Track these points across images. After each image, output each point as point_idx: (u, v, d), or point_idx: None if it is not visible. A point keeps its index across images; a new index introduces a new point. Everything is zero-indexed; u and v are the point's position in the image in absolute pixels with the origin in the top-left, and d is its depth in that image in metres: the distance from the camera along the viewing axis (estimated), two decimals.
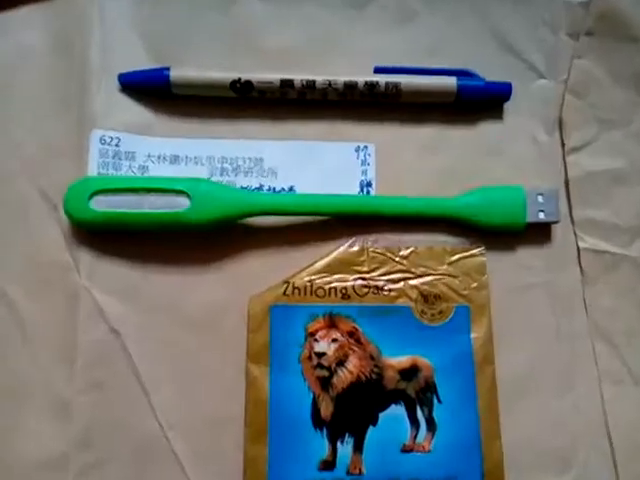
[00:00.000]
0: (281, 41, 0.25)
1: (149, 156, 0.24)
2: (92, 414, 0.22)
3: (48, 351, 0.22)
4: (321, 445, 0.22)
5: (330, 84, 0.24)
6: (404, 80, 0.24)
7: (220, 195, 0.23)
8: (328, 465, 0.22)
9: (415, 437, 0.22)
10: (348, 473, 0.22)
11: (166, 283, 0.23)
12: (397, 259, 0.24)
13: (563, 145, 0.25)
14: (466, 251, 0.24)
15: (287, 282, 0.23)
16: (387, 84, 0.24)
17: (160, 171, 0.24)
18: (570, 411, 0.23)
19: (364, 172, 0.25)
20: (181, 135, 0.24)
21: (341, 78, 0.24)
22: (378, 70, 0.25)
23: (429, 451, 0.22)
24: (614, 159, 0.25)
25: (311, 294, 0.23)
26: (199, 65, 0.24)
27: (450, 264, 0.24)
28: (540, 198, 0.24)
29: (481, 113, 0.25)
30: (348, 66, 0.25)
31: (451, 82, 0.24)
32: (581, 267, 0.24)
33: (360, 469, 0.22)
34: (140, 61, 0.25)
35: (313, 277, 0.23)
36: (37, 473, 0.21)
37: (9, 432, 0.21)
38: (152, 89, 0.24)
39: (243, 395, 0.22)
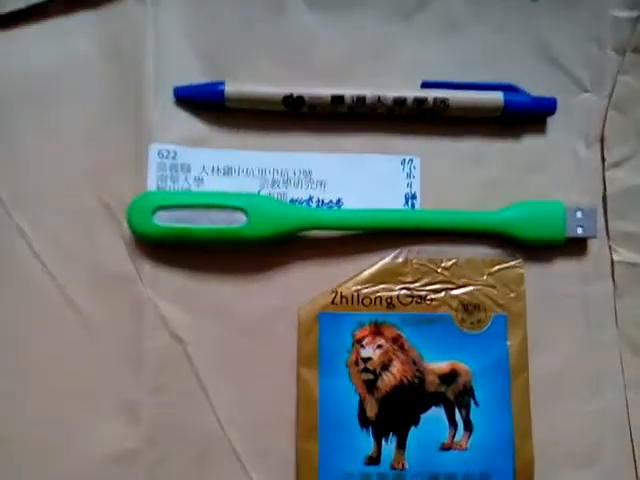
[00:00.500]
0: (329, 52, 0.26)
1: (204, 168, 0.25)
2: (158, 415, 0.23)
3: (116, 357, 0.24)
4: (367, 442, 0.24)
5: (380, 99, 0.25)
6: (452, 96, 0.25)
7: (276, 211, 0.24)
8: (373, 460, 0.24)
9: (453, 436, 0.24)
10: (392, 468, 0.24)
11: (223, 292, 0.24)
12: (439, 270, 0.25)
13: (603, 160, 0.26)
14: (505, 262, 0.25)
15: (335, 291, 0.25)
16: (435, 99, 0.25)
17: (214, 182, 0.25)
18: (597, 415, 0.24)
19: (409, 185, 0.26)
20: (234, 147, 0.25)
21: (390, 94, 0.25)
22: (426, 85, 0.25)
23: (466, 449, 0.24)
24: None
25: (358, 303, 0.25)
26: (250, 76, 0.25)
27: (489, 275, 0.25)
28: (579, 214, 0.25)
29: (525, 127, 0.26)
30: (395, 77, 0.25)
31: (498, 97, 0.25)
32: (614, 279, 0.25)
33: (403, 465, 0.24)
34: (193, 72, 0.25)
35: (359, 287, 0.25)
36: (111, 467, 0.23)
37: (82, 431, 0.23)
38: (207, 103, 0.25)
39: (295, 396, 0.24)
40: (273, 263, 0.25)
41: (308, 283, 0.24)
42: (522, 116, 0.25)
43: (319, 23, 0.26)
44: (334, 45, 0.26)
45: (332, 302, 0.24)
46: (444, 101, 0.25)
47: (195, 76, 0.25)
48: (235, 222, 0.23)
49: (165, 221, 0.23)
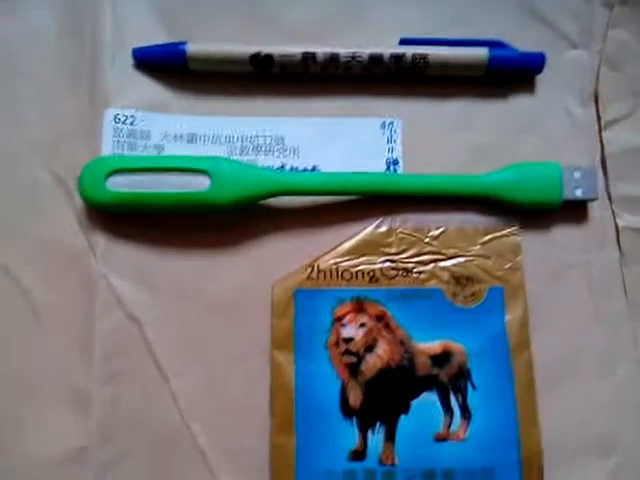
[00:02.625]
0: (302, 12, 0.24)
1: (165, 135, 0.23)
2: (111, 407, 0.21)
3: (64, 340, 0.21)
4: (351, 435, 0.21)
5: (354, 57, 0.23)
6: (432, 52, 0.23)
7: (242, 174, 0.22)
8: (358, 455, 0.21)
9: (449, 425, 0.21)
10: (380, 463, 0.21)
11: (186, 267, 0.22)
12: (427, 240, 0.23)
13: (599, 119, 0.24)
14: (499, 231, 0.23)
15: (312, 265, 0.22)
16: (414, 56, 0.23)
17: (177, 151, 0.23)
18: (610, 396, 0.22)
19: (390, 149, 0.24)
20: (199, 113, 0.23)
21: (366, 51, 0.23)
22: (404, 42, 0.24)
23: (464, 440, 0.21)
24: None
25: (337, 277, 0.22)
26: (217, 39, 0.23)
27: (483, 244, 0.23)
28: (577, 174, 0.23)
29: (512, 86, 0.24)
30: (372, 38, 0.24)
31: (482, 53, 0.23)
32: (620, 246, 0.23)
33: (392, 459, 0.21)
34: (155, 36, 0.23)
35: (339, 260, 0.22)
36: (56, 469, 0.20)
37: (26, 426, 0.21)
38: (168, 65, 0.23)
39: (268, 383, 0.21)
40: (242, 235, 0.22)
41: (282, 256, 0.22)
42: (508, 74, 0.24)
43: None
44: (306, 5, 0.24)
45: (309, 277, 0.22)
46: (424, 57, 0.23)
47: (156, 37, 0.23)
48: (198, 187, 0.21)
49: (119, 187, 0.21)
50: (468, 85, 0.24)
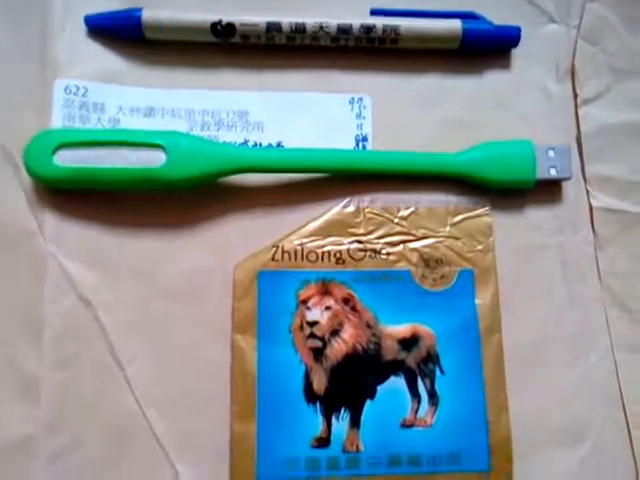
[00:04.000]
0: None
1: (121, 108, 0.22)
2: (62, 392, 0.20)
3: (12, 323, 0.20)
4: (314, 421, 0.20)
5: (322, 27, 0.22)
6: (404, 23, 0.22)
7: (200, 149, 0.20)
8: (322, 442, 0.20)
9: (416, 411, 0.20)
10: (344, 451, 0.20)
11: (142, 247, 0.21)
12: (396, 220, 0.22)
13: (575, 96, 0.23)
14: (470, 211, 0.22)
15: (276, 246, 0.21)
16: (385, 27, 0.22)
17: (133, 124, 0.22)
18: (582, 381, 0.21)
19: (359, 126, 0.22)
20: (157, 85, 0.22)
21: (334, 21, 0.22)
22: (375, 12, 0.22)
23: (431, 426, 0.20)
24: (630, 111, 0.23)
25: (302, 259, 0.21)
26: (175, 6, 0.22)
27: (453, 225, 0.22)
28: (551, 153, 0.22)
29: (486, 61, 0.23)
30: (341, 8, 0.23)
31: (455, 25, 0.22)
32: (594, 228, 0.22)
33: (357, 446, 0.20)
34: (110, 2, 0.22)
35: (304, 240, 0.21)
36: (3, 457, 0.19)
37: None
38: (123, 33, 0.22)
39: (229, 369, 0.20)
40: (202, 214, 0.21)
41: (244, 237, 0.21)
42: (483, 47, 0.23)
43: None
44: None
45: (272, 258, 0.21)
46: (395, 29, 0.22)
47: (111, 3, 0.22)
48: (153, 162, 0.20)
49: (68, 161, 0.20)
50: (441, 59, 0.23)
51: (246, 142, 0.22)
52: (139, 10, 0.21)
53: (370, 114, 0.23)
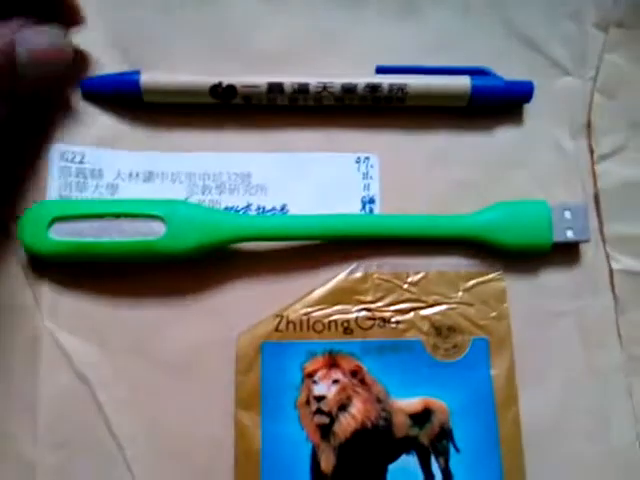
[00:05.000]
0: (267, 40, 0.22)
1: (119, 173, 0.21)
2: (59, 477, 0.19)
3: (5, 404, 0.19)
4: None
5: (325, 87, 0.21)
6: (410, 81, 0.21)
7: (201, 219, 0.20)
8: None
9: None
10: None
11: (141, 320, 0.20)
12: (405, 286, 0.21)
13: (592, 152, 0.22)
14: (483, 275, 0.21)
15: (280, 316, 0.20)
16: (391, 86, 0.21)
17: (132, 190, 0.21)
18: (604, 456, 0.20)
19: (366, 187, 0.22)
20: (155, 149, 0.21)
21: (338, 80, 0.21)
22: (380, 70, 0.22)
23: None
24: None
25: (308, 329, 0.20)
26: (174, 68, 0.21)
27: (465, 291, 0.21)
28: (567, 214, 0.21)
29: (497, 116, 0.22)
30: (345, 67, 0.22)
31: (464, 82, 0.21)
32: (614, 291, 0.21)
33: None
34: (105, 65, 0.21)
35: (310, 309, 0.20)
36: None
37: None
38: (120, 96, 0.21)
39: (232, 447, 0.19)
40: (202, 282, 0.20)
41: (247, 306, 0.20)
42: (494, 104, 0.22)
43: (254, 7, 0.22)
44: (272, 32, 0.22)
45: (277, 329, 0.20)
46: (402, 88, 0.21)
47: (109, 69, 0.21)
48: (152, 234, 0.19)
49: (64, 235, 0.19)
50: (450, 116, 0.22)
51: (249, 206, 0.21)
52: (137, 73, 0.21)
53: (377, 174, 0.22)
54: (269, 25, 0.22)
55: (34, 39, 0.18)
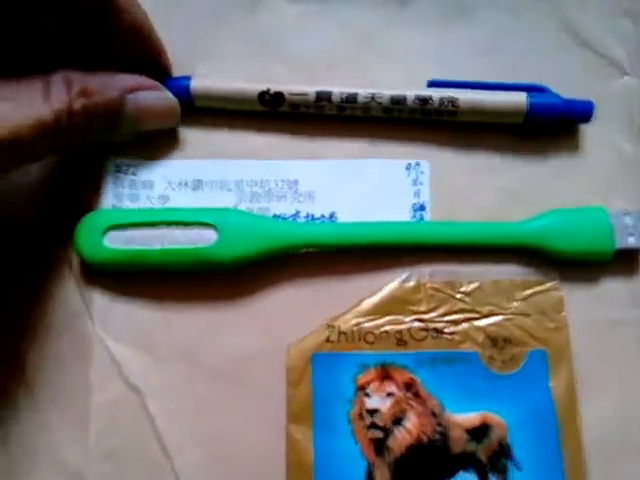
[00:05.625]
0: (314, 47, 0.22)
1: (169, 184, 0.21)
2: None
3: (57, 414, 0.19)
4: None
5: (374, 98, 0.21)
6: (463, 96, 0.21)
7: (252, 227, 0.19)
8: None
9: None
10: None
11: (192, 329, 0.20)
12: (459, 296, 0.20)
13: None
14: (540, 285, 0.20)
15: (331, 326, 0.20)
16: (442, 100, 0.20)
17: (182, 200, 0.21)
18: None
19: (416, 193, 0.21)
20: (204, 156, 0.21)
21: (387, 92, 0.21)
22: (433, 84, 0.21)
23: None
24: None
25: (360, 340, 0.20)
26: (223, 75, 0.21)
27: (521, 300, 0.20)
28: (628, 219, 0.20)
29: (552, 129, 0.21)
30: (394, 72, 0.22)
31: (520, 99, 0.21)
32: None
33: None
34: None
35: (361, 319, 0.20)
36: None
37: None
38: None
39: (283, 461, 0.19)
40: (252, 290, 0.20)
41: (297, 316, 0.20)
42: (551, 122, 0.21)
43: (302, 14, 0.22)
44: (319, 39, 0.22)
45: (328, 339, 0.20)
46: (453, 102, 0.21)
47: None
48: (203, 241, 0.19)
49: (117, 243, 0.19)
50: (504, 131, 0.21)
51: (297, 213, 0.21)
52: (188, 79, 0.21)
53: (428, 180, 0.21)
54: (314, 31, 0.22)
55: (146, 100, 0.19)
